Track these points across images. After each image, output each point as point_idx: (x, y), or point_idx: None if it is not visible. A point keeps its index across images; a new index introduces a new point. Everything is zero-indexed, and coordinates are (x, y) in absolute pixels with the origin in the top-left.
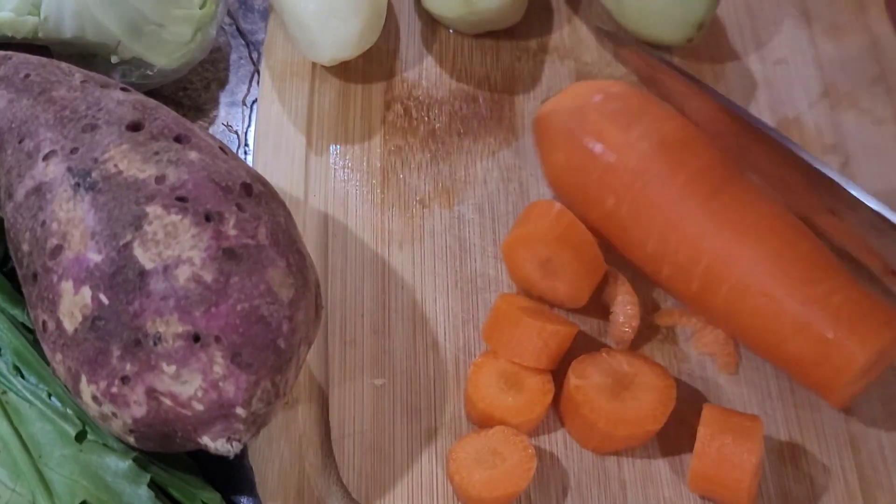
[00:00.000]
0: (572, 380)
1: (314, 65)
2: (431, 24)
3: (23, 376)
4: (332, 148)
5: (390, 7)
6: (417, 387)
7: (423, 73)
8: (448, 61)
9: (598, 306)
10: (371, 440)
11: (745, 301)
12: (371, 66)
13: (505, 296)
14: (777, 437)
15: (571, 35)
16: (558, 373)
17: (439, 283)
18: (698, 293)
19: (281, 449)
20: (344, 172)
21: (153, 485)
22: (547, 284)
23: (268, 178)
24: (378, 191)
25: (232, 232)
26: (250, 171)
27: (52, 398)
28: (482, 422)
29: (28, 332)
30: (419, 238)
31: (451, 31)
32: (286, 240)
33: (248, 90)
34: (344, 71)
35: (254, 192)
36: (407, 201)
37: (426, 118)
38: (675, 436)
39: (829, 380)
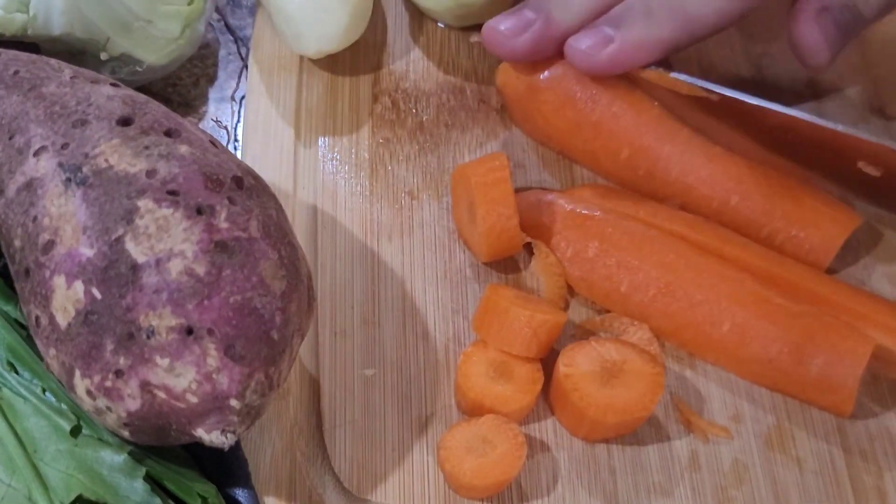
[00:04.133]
0: (561, 368)
1: (302, 58)
2: (418, 16)
3: (17, 372)
4: (320, 141)
5: None
6: (408, 376)
7: (410, 65)
8: (435, 53)
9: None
10: (362, 429)
11: None
12: (358, 58)
13: (494, 286)
14: (765, 422)
15: None
16: (547, 361)
17: (429, 274)
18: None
19: (273, 439)
20: (332, 165)
21: (149, 478)
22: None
23: (257, 171)
24: (367, 183)
25: (224, 225)
26: (241, 165)
27: (47, 393)
28: (472, 411)
29: (21, 329)
30: (408, 229)
31: (438, 23)
32: (278, 232)
33: (237, 86)
34: (331, 64)
35: (245, 185)
36: (396, 193)
37: (414, 110)
38: (665, 422)
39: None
